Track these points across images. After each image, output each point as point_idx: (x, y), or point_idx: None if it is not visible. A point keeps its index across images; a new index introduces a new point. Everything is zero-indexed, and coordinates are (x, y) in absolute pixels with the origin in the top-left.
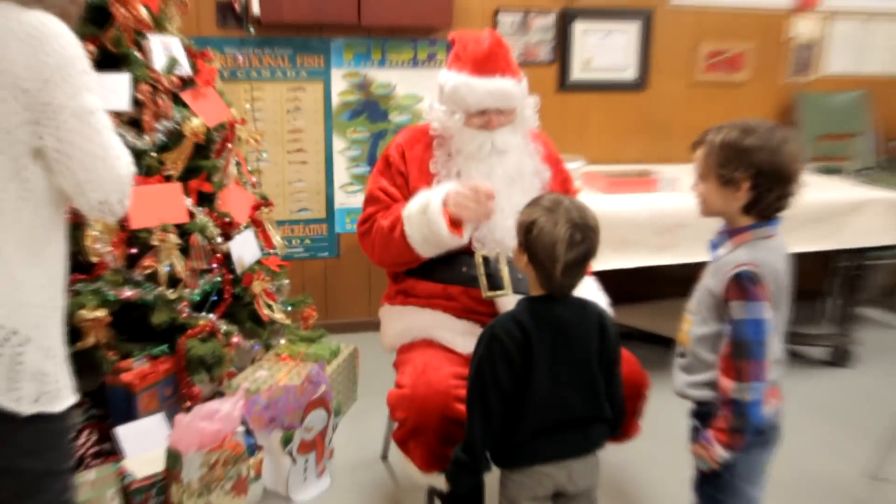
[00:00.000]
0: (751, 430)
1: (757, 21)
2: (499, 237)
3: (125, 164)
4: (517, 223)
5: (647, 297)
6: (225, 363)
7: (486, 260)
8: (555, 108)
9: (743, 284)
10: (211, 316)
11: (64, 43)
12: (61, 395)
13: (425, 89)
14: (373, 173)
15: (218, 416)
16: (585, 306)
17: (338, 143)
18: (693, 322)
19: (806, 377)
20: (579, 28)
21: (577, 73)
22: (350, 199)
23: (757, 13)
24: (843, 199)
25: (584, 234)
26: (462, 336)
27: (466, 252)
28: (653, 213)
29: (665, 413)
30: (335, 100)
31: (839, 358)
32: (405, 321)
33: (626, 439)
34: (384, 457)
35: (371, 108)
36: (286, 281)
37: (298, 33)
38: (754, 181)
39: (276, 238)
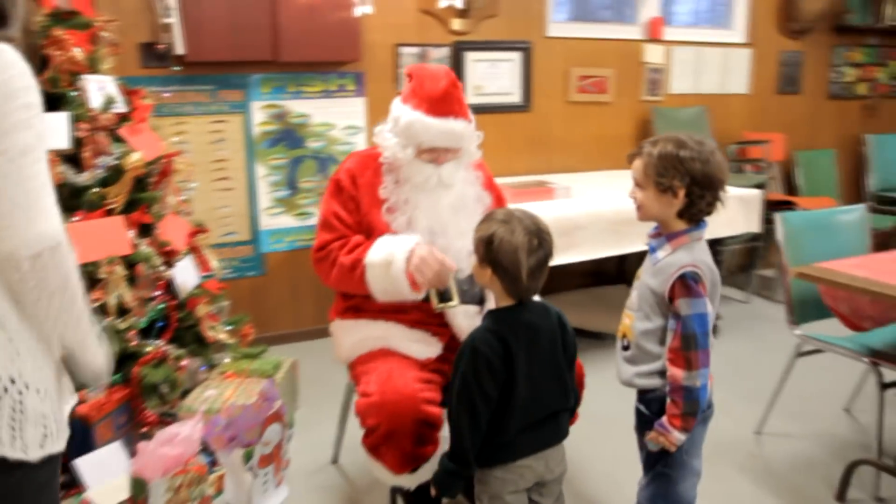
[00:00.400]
0: (700, 411)
1: (616, 49)
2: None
3: (50, 224)
4: (476, 239)
5: (548, 290)
6: (178, 387)
7: None
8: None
9: (687, 284)
10: (160, 342)
11: (13, 74)
12: (61, 433)
13: (337, 116)
14: (325, 198)
15: (178, 439)
16: (546, 307)
17: (259, 170)
18: (635, 318)
19: None
20: (470, 58)
21: (471, 98)
22: (273, 220)
23: (616, 43)
24: None
25: (541, 239)
26: (417, 343)
27: None
28: (555, 218)
29: (593, 395)
30: (255, 130)
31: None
32: (359, 333)
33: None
34: (335, 461)
35: (289, 136)
36: (226, 302)
37: (219, 70)
38: (689, 189)
39: (213, 262)
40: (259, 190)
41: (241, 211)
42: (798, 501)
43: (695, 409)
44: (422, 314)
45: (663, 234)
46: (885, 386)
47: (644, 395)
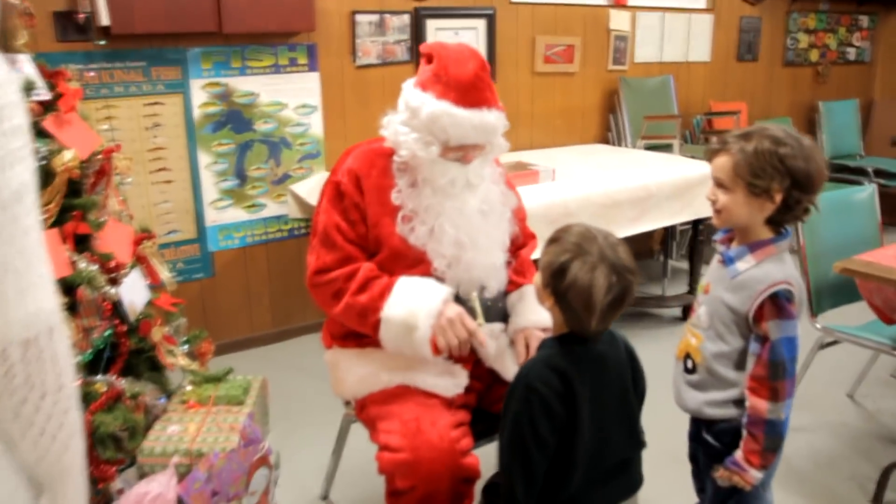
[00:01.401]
0: (782, 445)
1: (583, 16)
2: (475, 276)
3: (47, 298)
4: (544, 263)
5: None
6: (139, 433)
7: (455, 294)
8: None
9: (780, 304)
10: (111, 377)
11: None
12: None
13: (289, 95)
14: (322, 204)
15: (149, 498)
16: (613, 335)
17: (203, 159)
18: (704, 338)
19: (668, 334)
20: (431, 26)
21: None
22: (221, 215)
23: (582, 9)
24: (694, 174)
25: (622, 277)
26: (442, 378)
27: None
28: (545, 206)
29: None
30: (196, 112)
31: (689, 313)
32: (367, 365)
33: None
34: (325, 496)
35: (235, 118)
36: (183, 319)
37: (152, 44)
38: (787, 192)
39: (164, 272)
40: (203, 181)
41: (183, 206)
42: None
43: (777, 444)
44: None
45: (744, 243)
46: None
47: (713, 426)
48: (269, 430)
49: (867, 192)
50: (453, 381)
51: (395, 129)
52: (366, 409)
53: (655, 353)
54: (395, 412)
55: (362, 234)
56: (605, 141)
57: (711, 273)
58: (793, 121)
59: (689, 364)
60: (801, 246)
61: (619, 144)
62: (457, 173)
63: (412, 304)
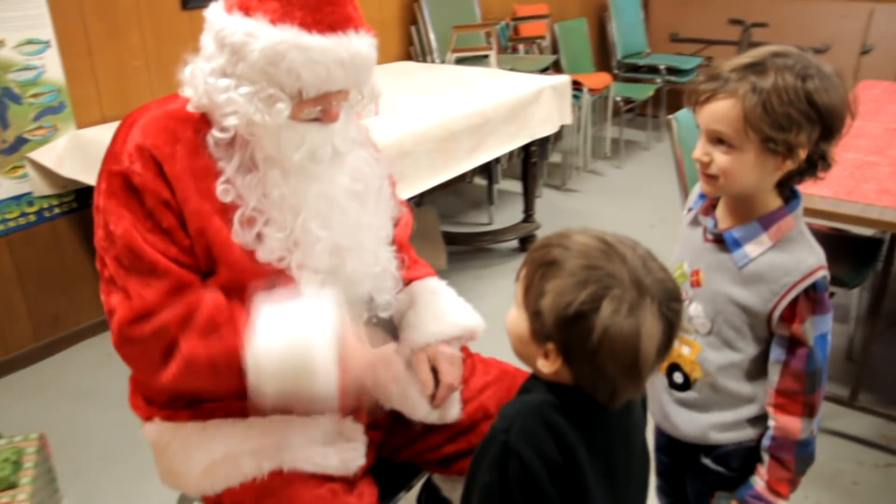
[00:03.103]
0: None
1: None
2: (361, 292)
3: None
4: (546, 306)
5: None
6: None
7: None
8: (182, 30)
9: (819, 298)
10: None
11: None
12: None
13: (6, 28)
14: (107, 212)
15: None
16: None
17: None
18: (704, 346)
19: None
20: None
21: None
22: None
23: None
24: (525, 91)
25: (672, 312)
26: (334, 446)
27: None
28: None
29: None
30: None
31: (527, 243)
32: (219, 445)
33: None
34: None
35: None
36: None
37: None
38: (815, 145)
39: None
40: None
41: None
42: None
43: (809, 465)
44: None
45: (752, 218)
46: None
47: (715, 449)
48: (62, 498)
49: None
50: (350, 448)
51: (205, 82)
52: None
53: (505, 294)
54: None
55: (186, 247)
56: (409, 57)
57: (698, 255)
58: (587, 20)
59: (679, 378)
60: (679, 163)
61: (426, 60)
62: (318, 139)
63: (296, 328)
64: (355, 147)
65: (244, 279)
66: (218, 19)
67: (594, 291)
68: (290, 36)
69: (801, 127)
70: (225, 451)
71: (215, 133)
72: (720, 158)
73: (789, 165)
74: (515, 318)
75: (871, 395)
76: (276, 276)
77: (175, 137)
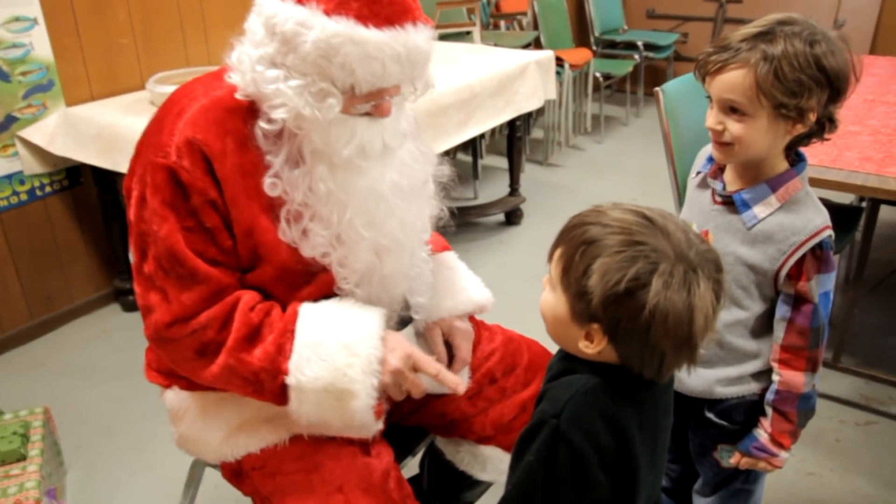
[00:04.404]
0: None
1: None
2: (395, 294)
3: None
4: (584, 285)
5: None
6: None
7: None
8: (169, 8)
9: (825, 256)
10: None
11: None
12: None
13: None
14: (147, 207)
15: None
16: None
17: None
18: None
19: (497, 244)
20: None
21: None
22: None
23: None
24: (512, 66)
25: (719, 284)
26: None
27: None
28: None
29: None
30: None
31: (513, 217)
32: (238, 413)
33: None
34: None
35: None
36: None
37: None
38: (825, 108)
39: None
40: None
41: None
42: None
43: (810, 416)
44: None
45: (761, 180)
46: None
47: (718, 403)
48: (67, 471)
49: None
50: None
51: (253, 70)
52: (248, 480)
53: (493, 268)
54: (302, 484)
55: (228, 249)
56: None
57: (706, 217)
58: None
59: None
60: (666, 135)
61: None
62: (368, 136)
63: (337, 355)
64: (405, 142)
65: (288, 276)
66: (269, 4)
67: (642, 267)
68: (345, 29)
69: (812, 91)
70: (243, 418)
71: (262, 125)
72: (733, 126)
73: (799, 129)
74: (551, 300)
75: (852, 357)
76: (314, 274)
77: (225, 130)
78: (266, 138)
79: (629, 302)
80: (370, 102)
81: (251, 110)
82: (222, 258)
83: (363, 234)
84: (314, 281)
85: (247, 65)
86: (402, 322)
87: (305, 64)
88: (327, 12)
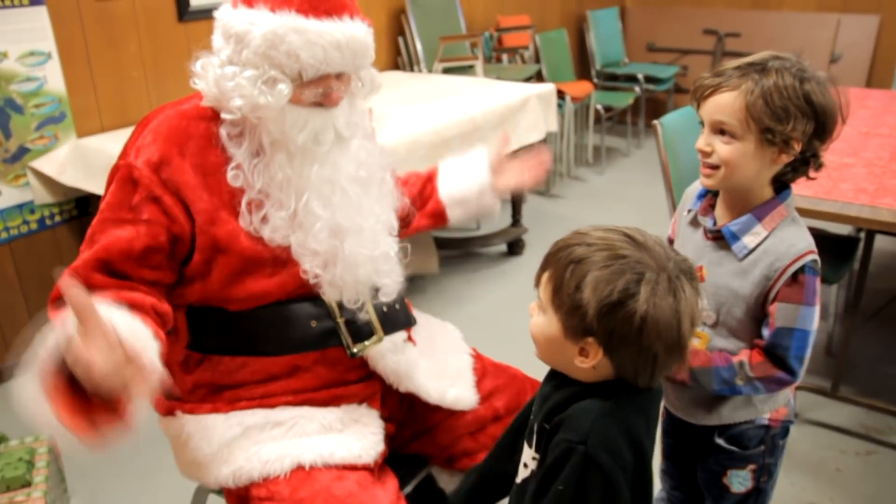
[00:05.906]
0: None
1: None
2: (362, 276)
3: None
4: (592, 296)
5: None
6: None
7: (339, 305)
8: (179, 42)
9: (806, 282)
10: None
11: None
12: None
13: (9, 40)
14: (105, 201)
15: None
16: None
17: None
18: (713, 337)
19: (499, 273)
20: None
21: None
22: None
23: None
24: (514, 98)
25: (698, 292)
26: (348, 434)
27: (307, 299)
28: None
29: None
30: None
31: (515, 247)
32: (244, 439)
33: None
34: None
35: None
36: None
37: None
38: (810, 140)
39: None
40: None
41: None
42: None
43: (694, 386)
44: (329, 370)
45: (746, 211)
46: None
47: (728, 428)
48: (71, 498)
49: None
50: (368, 433)
51: (214, 73)
52: None
53: (495, 298)
54: None
55: (160, 247)
56: (396, 67)
57: (700, 253)
58: (567, 31)
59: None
60: (665, 166)
61: (413, 70)
62: (320, 123)
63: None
64: (358, 132)
65: (249, 268)
66: (224, 14)
67: (630, 277)
68: (288, 20)
69: (798, 120)
70: (247, 444)
71: (226, 127)
72: (721, 148)
73: (784, 159)
74: (542, 323)
75: (851, 386)
76: (280, 261)
77: (187, 135)
78: (230, 139)
79: (622, 311)
80: (318, 90)
81: (216, 116)
82: (149, 257)
83: (319, 213)
84: (279, 272)
85: (209, 69)
86: (384, 318)
87: (257, 56)
88: (272, 9)
